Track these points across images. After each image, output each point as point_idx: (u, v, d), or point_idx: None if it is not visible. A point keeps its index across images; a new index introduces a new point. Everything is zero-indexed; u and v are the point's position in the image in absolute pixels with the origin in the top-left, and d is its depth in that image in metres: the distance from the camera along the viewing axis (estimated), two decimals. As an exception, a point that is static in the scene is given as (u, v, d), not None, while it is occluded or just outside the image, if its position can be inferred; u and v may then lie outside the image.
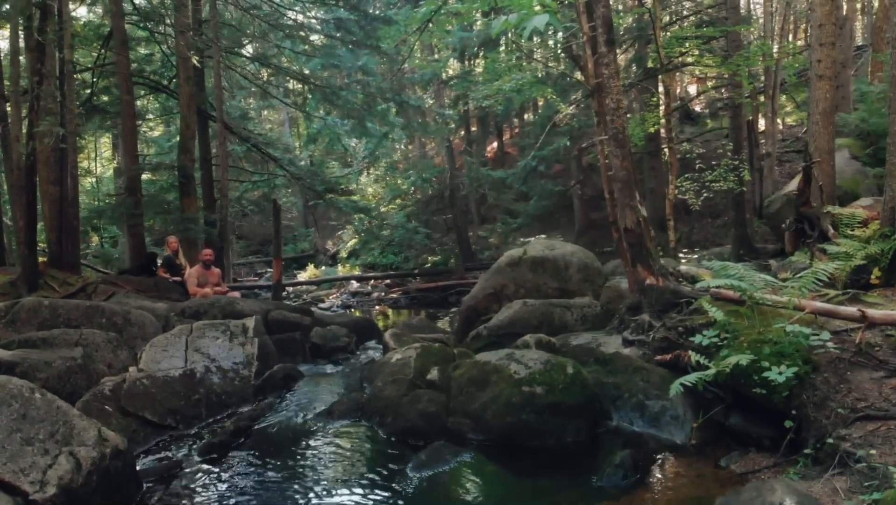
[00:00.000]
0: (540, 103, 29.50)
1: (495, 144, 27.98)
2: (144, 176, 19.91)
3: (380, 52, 13.08)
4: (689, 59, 12.96)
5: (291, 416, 5.86)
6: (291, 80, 15.44)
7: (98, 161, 29.69)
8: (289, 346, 8.35)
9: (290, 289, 22.97)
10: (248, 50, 15.22)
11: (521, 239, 22.43)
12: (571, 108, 14.90)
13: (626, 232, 6.50)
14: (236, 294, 10.55)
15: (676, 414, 5.26)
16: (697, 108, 27.10)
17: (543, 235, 23.01)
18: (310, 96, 15.23)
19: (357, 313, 21.23)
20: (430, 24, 11.01)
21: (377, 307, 21.57)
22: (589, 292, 8.15)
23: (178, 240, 12.04)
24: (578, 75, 20.78)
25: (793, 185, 13.20)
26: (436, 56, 20.78)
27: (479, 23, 25.15)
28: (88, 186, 28.00)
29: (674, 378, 5.52)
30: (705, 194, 13.56)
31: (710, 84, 27.09)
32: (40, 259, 11.96)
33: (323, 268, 26.51)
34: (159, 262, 12.00)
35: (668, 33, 13.32)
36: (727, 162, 13.66)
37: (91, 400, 5.67)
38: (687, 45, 12.70)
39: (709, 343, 5.21)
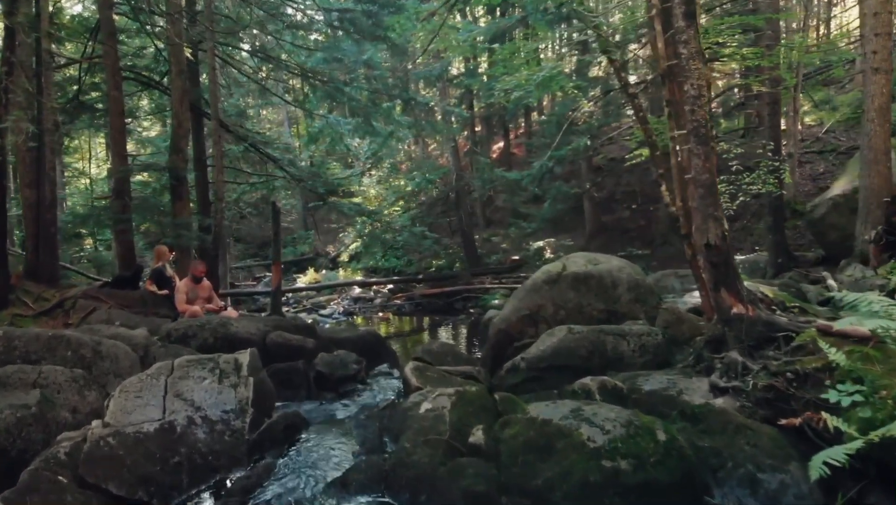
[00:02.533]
0: (545, 102, 28.13)
1: (501, 144, 26.60)
2: (139, 178, 18.53)
3: (389, 43, 11.69)
4: (727, 51, 11.59)
5: (296, 486, 4.47)
6: (291, 77, 14.01)
7: (93, 162, 28.21)
8: (290, 377, 6.98)
9: (290, 295, 21.57)
10: (246, 43, 13.79)
11: (533, 243, 21.07)
12: (589, 104, 13.54)
13: (709, 249, 5.13)
14: (232, 313, 9.15)
15: (801, 493, 3.91)
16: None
17: (553, 239, 21.67)
18: (311, 93, 13.83)
19: (359, 320, 19.85)
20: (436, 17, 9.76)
21: (380, 314, 20.21)
22: (641, 315, 6.79)
23: (169, 249, 10.64)
24: (597, 70, 19.54)
25: (837, 188, 11.88)
26: (442, 54, 19.37)
27: (482, 20, 23.85)
28: (83, 188, 26.56)
29: (788, 441, 4.21)
30: (741, 198, 12.21)
31: (721, 83, 25.81)
32: (16, 270, 10.61)
33: (323, 272, 25.10)
34: (147, 272, 10.61)
35: (703, 22, 11.98)
36: (766, 163, 12.32)
37: (41, 469, 4.28)
38: (722, 36, 11.35)
39: (847, 401, 3.87)
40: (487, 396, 5.03)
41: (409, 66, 16.48)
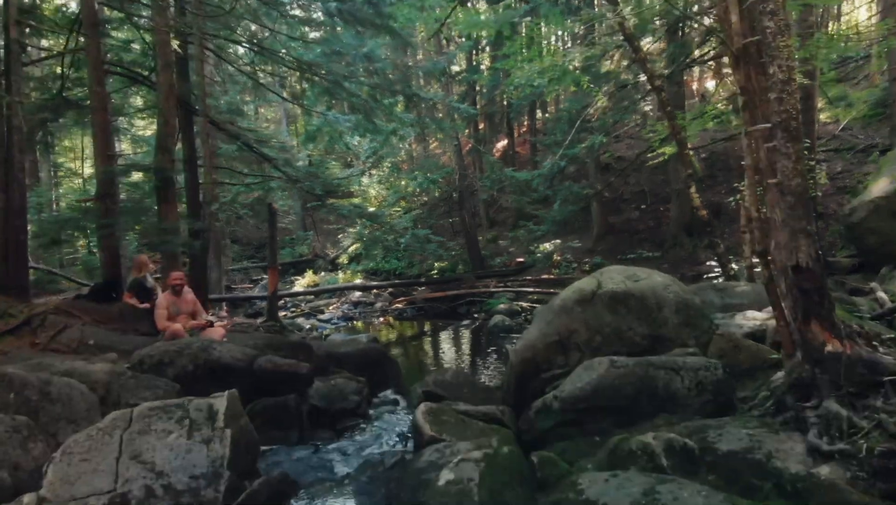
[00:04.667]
0: (550, 99, 26.99)
1: (504, 143, 25.46)
2: (135, 177, 17.38)
3: (391, 33, 10.55)
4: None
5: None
6: (287, 71, 12.86)
7: (87, 162, 27.00)
8: (280, 415, 5.87)
9: (288, 299, 20.45)
10: (240, 35, 12.61)
11: (539, 245, 19.95)
12: (604, 99, 12.43)
13: (798, 272, 4.03)
14: (218, 331, 8.00)
15: None
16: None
17: (559, 241, 20.56)
18: (307, 87, 12.69)
19: (359, 325, 18.76)
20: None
21: (381, 319, 19.10)
22: (691, 341, 5.68)
23: (150, 259, 9.51)
24: (609, 65, 18.40)
25: (877, 190, 10.79)
26: (445, 50, 18.22)
27: (483, 16, 22.70)
28: (77, 189, 25.36)
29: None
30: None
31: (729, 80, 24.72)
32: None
33: (322, 274, 23.97)
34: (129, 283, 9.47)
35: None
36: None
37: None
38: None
39: None
40: (522, 459, 3.93)
41: (411, 63, 15.36)
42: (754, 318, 6.09)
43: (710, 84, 26.42)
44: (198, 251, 10.55)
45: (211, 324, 8.21)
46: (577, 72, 10.86)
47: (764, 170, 4.27)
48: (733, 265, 17.34)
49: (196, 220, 12.36)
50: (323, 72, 10.82)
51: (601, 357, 5.15)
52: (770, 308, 6.25)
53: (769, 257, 4.43)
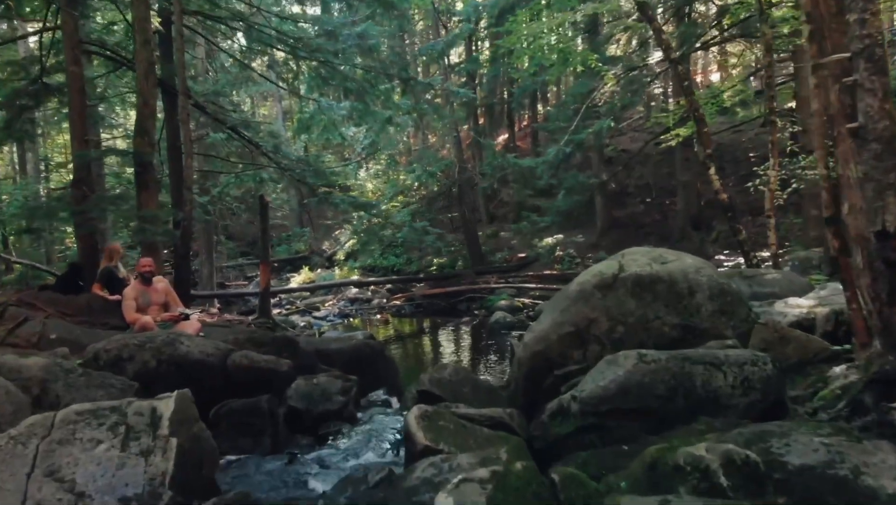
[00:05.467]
0: (550, 93, 26.14)
1: (505, 136, 24.59)
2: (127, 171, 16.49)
3: (386, 5, 9.68)
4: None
5: None
6: (277, 51, 11.99)
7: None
8: (251, 419, 5.01)
9: (283, 296, 19.59)
10: (225, 10, 11.73)
11: (541, 240, 19.08)
12: (613, 80, 11.56)
13: (882, 239, 3.16)
14: (193, 323, 7.11)
15: None
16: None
17: (561, 235, 19.70)
18: (300, 70, 11.81)
19: (356, 322, 17.91)
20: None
21: (378, 316, 18.25)
22: (728, 331, 4.83)
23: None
24: (614, 49, 17.54)
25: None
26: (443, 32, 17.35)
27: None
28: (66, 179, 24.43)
29: None
30: (794, 185, 10.21)
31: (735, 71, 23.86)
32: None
33: (319, 271, 23.13)
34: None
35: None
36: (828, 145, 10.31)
37: None
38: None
39: None
40: (539, 477, 3.07)
41: (410, 41, 14.47)
42: (798, 305, 5.24)
43: (715, 77, 25.57)
44: (177, 240, 9.63)
45: (185, 316, 7.34)
46: (583, 51, 9.97)
47: (836, 115, 3.41)
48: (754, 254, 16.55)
49: (179, 210, 11.51)
50: (313, 48, 9.94)
51: (626, 350, 4.28)
52: (816, 294, 5.39)
53: (838, 224, 3.57)
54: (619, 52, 12.91)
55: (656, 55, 12.40)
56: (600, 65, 10.52)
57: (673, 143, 12.09)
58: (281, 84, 12.96)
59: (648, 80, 11.76)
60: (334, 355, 8.39)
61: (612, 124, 13.28)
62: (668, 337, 4.80)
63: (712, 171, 8.32)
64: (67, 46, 10.60)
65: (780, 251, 15.48)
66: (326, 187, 13.06)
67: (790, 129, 11.00)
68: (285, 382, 5.79)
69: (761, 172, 9.89)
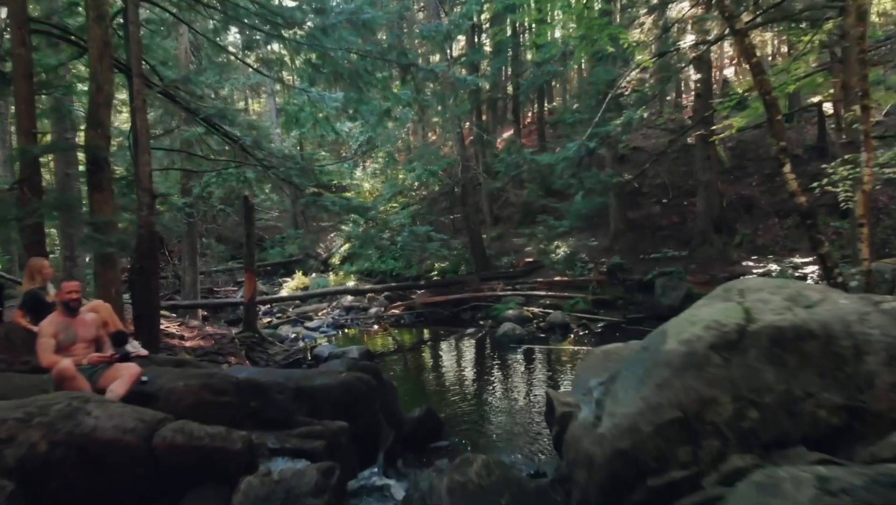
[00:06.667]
0: (556, 89, 24.26)
1: (510, 133, 22.71)
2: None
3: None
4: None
5: None
6: (259, 34, 10.10)
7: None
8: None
9: (268, 306, 17.74)
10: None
11: (552, 244, 17.20)
12: (647, 61, 9.68)
13: None
14: (132, 368, 5.22)
15: None
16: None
17: (572, 239, 17.86)
18: (280, 49, 9.95)
19: (352, 332, 16.08)
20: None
21: (376, 326, 16.41)
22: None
23: (51, 263, 6.77)
24: (638, 34, 15.56)
25: None
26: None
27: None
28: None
29: None
30: (821, 182, 8.32)
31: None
32: None
33: (313, 275, 21.25)
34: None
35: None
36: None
37: None
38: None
39: None
40: None
41: (409, 20, 12.60)
42: None
43: (728, 71, 23.73)
44: (129, 252, 7.78)
45: (123, 357, 5.47)
46: (613, 27, 8.13)
47: None
48: (774, 265, 14.71)
49: (149, 214, 9.63)
50: (295, 24, 8.09)
51: (789, 468, 2.45)
52: None
53: None
54: (643, 38, 11.08)
55: (689, 38, 10.53)
56: (633, 44, 8.69)
57: (728, 132, 10.17)
58: (265, 71, 11.08)
59: (682, 65, 9.89)
60: (319, 395, 6.65)
61: (644, 115, 11.42)
62: (826, 425, 2.98)
63: (787, 168, 6.51)
64: (13, 26, 8.77)
65: (809, 258, 13.66)
66: (316, 188, 11.19)
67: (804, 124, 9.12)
68: (240, 467, 3.97)
69: (830, 170, 8.08)
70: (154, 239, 8.57)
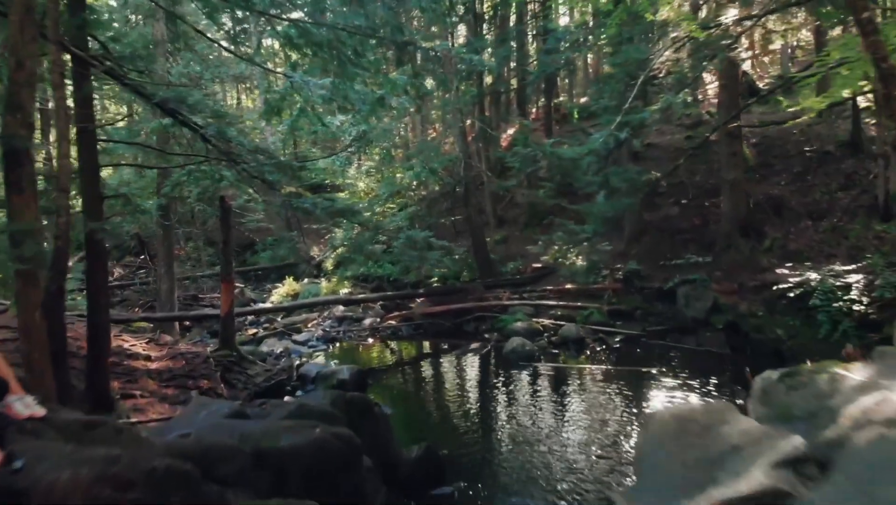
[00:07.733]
0: (563, 82, 22.39)
1: (516, 128, 20.87)
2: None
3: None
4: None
5: None
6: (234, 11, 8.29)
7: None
8: None
9: (252, 317, 15.92)
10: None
11: (559, 249, 15.34)
12: (697, 30, 7.86)
13: None
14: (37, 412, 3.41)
15: None
16: (760, 85, 20.06)
17: (584, 243, 15.99)
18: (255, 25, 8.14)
19: (344, 346, 14.28)
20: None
21: (370, 339, 14.59)
22: None
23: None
24: (665, 14, 13.68)
25: None
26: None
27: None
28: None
29: None
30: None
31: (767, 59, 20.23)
32: None
33: (305, 280, 19.41)
34: None
35: None
36: None
37: None
38: None
39: None
40: None
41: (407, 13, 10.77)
42: None
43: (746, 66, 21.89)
44: (43, 265, 5.98)
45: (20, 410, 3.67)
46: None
47: None
48: (812, 273, 12.80)
49: (94, 219, 7.81)
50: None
51: None
52: None
53: None
54: (670, 16, 9.30)
55: (731, 13, 8.70)
56: (682, 9, 6.91)
57: (809, 114, 8.33)
58: (233, 49, 9.25)
59: (729, 42, 8.10)
60: (286, 462, 4.98)
61: (686, 98, 9.58)
62: None
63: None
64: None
65: (850, 265, 11.77)
66: (298, 187, 9.36)
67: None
68: None
69: None
70: (67, 252, 6.73)
